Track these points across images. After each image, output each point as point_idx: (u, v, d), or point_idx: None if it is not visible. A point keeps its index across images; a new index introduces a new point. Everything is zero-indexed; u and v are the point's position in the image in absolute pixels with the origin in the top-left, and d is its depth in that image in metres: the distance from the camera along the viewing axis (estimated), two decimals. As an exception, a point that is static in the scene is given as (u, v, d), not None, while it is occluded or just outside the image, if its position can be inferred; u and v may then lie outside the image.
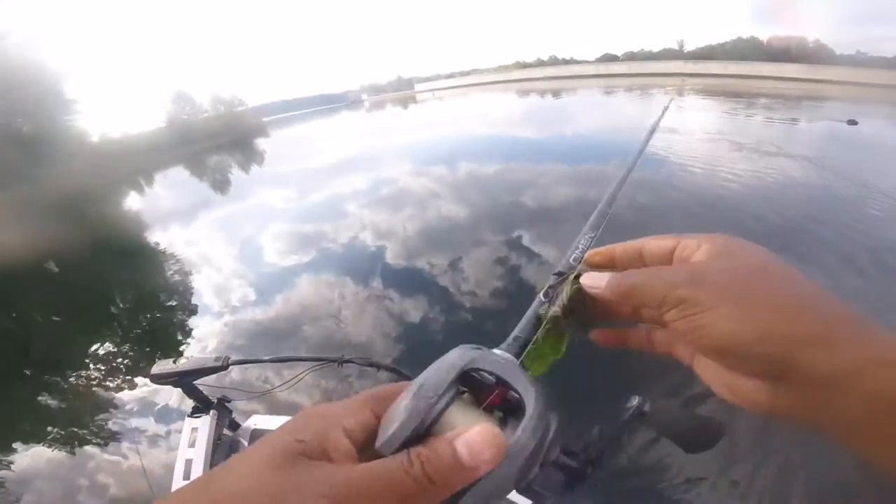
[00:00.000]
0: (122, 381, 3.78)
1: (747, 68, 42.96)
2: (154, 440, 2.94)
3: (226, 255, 6.66)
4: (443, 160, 10.20)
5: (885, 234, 4.45)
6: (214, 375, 1.11)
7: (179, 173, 22.86)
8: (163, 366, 1.10)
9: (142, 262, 7.60)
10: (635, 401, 0.45)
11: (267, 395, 1.39)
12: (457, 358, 0.25)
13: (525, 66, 69.84)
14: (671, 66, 49.55)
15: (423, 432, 0.23)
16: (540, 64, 68.59)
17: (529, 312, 0.34)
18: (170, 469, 1.08)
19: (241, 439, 1.21)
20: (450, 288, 4.19)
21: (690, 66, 47.38)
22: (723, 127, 11.85)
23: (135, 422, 3.18)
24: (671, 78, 41.32)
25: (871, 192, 5.69)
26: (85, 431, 3.26)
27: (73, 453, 3.01)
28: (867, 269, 3.75)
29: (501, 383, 0.25)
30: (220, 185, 16.18)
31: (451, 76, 77.70)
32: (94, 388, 3.81)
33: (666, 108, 0.71)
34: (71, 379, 4.08)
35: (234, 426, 1.24)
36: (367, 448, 0.23)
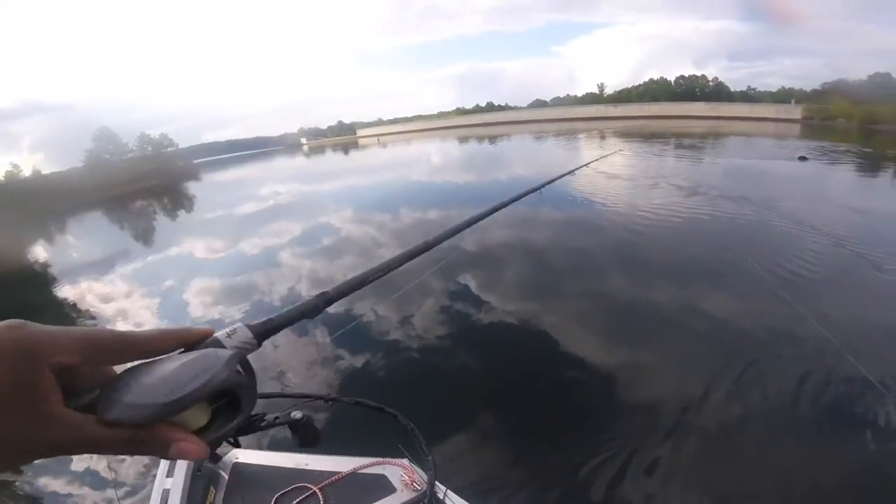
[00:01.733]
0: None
1: (659, 108, 48.96)
2: (128, 470, 2.90)
3: (146, 310, 6.28)
4: (386, 207, 10.50)
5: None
6: None
7: (97, 219, 21.26)
8: None
9: (45, 320, 6.87)
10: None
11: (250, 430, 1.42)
12: (220, 372, 0.29)
13: (464, 112, 74.38)
14: (593, 110, 55.41)
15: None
16: (478, 110, 73.38)
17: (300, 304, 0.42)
18: (146, 499, 1.12)
19: (222, 472, 1.24)
20: (398, 337, 4.28)
21: (611, 110, 53.18)
22: (673, 170, 13.18)
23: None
24: (594, 122, 45.83)
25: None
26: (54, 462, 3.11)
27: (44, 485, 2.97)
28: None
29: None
30: (144, 233, 15.22)
31: (394, 122, 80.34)
32: None
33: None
34: None
35: (216, 458, 1.26)
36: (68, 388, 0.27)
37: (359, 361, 3.93)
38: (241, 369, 0.34)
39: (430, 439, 1.12)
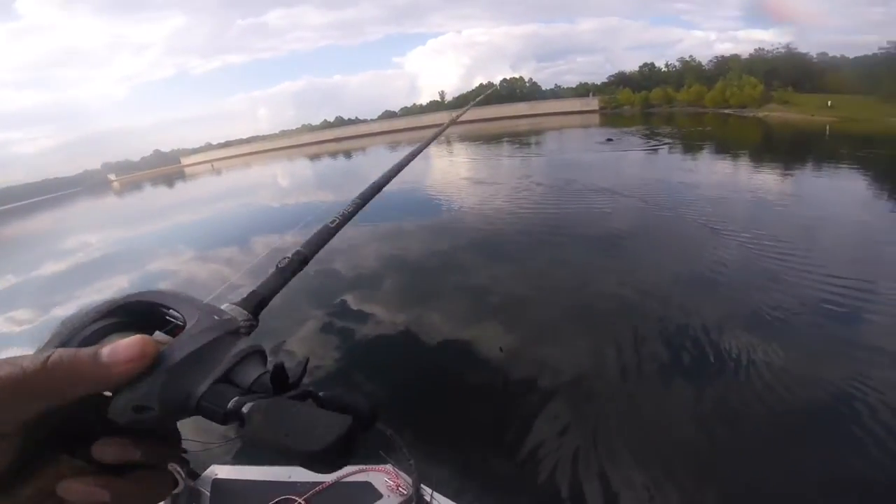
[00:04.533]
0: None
1: (493, 111, 55.04)
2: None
3: None
4: (235, 240, 9.80)
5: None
6: None
7: None
8: None
9: None
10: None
11: (226, 445, 1.37)
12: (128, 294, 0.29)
13: (312, 128, 72.07)
14: (438, 117, 59.55)
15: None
16: (327, 125, 71.93)
17: (274, 269, 0.41)
18: None
19: (203, 490, 1.21)
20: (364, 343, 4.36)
21: (452, 115, 57.57)
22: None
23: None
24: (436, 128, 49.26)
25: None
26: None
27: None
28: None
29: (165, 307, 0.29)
30: None
31: (226, 145, 73.42)
32: None
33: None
34: None
35: (194, 476, 1.22)
36: None
37: (327, 365, 3.98)
38: None
39: (407, 443, 1.17)
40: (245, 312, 0.33)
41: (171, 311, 0.28)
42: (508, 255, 6.37)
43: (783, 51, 49.04)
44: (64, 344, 0.26)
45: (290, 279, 0.43)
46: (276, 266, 0.43)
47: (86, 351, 0.24)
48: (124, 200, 36.08)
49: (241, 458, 1.37)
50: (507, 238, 7.23)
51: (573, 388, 3.34)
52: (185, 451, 0.95)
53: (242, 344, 0.27)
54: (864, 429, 2.61)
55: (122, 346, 0.24)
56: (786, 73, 43.45)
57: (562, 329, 4.24)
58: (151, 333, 0.27)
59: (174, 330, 0.28)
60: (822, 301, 4.07)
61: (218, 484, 1.23)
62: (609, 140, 18.11)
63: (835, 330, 3.68)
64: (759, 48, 52.17)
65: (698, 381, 3.23)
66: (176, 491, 1.11)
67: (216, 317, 0.28)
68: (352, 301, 5.42)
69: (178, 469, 1.12)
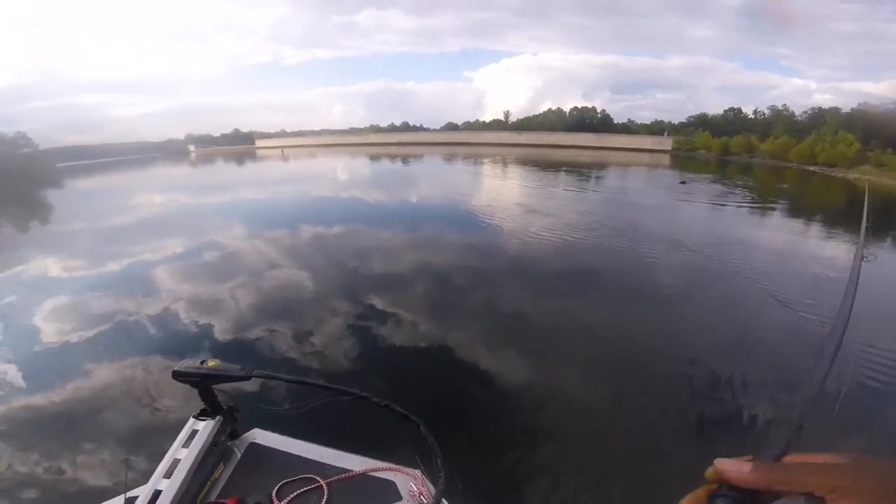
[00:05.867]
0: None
1: (556, 138, 54.68)
2: (145, 433, 3.17)
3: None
4: (286, 224, 10.30)
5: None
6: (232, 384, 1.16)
7: None
8: (188, 365, 1.14)
9: None
10: None
11: (271, 412, 1.44)
12: None
13: (379, 130, 74.93)
14: (499, 136, 59.97)
15: None
16: (393, 129, 74.50)
17: None
18: (154, 462, 1.10)
19: (237, 449, 1.26)
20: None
21: (516, 137, 58.00)
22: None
23: (137, 412, 3.51)
24: (498, 147, 49.51)
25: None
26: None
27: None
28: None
29: None
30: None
31: (298, 134, 77.70)
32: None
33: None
34: None
35: (235, 435, 1.29)
36: None
37: (395, 365, 4.15)
38: None
39: (447, 456, 1.14)
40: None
41: None
42: (549, 286, 6.27)
43: (893, 106, 44.62)
44: None
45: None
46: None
47: None
48: (198, 170, 38.98)
49: (283, 429, 1.37)
50: (549, 268, 7.12)
51: (591, 431, 3.25)
52: (237, 411, 1.16)
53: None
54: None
55: None
56: (891, 131, 39.44)
57: (588, 365, 4.19)
58: None
59: None
60: (866, 377, 3.71)
61: (253, 447, 1.26)
62: (683, 183, 17.63)
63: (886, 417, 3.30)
64: (864, 102, 47.92)
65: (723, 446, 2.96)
66: (213, 447, 1.16)
67: None
68: (385, 304, 5.53)
69: (222, 425, 1.21)
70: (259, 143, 74.77)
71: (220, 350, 4.52)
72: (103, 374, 4.24)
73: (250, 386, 1.23)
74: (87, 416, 3.60)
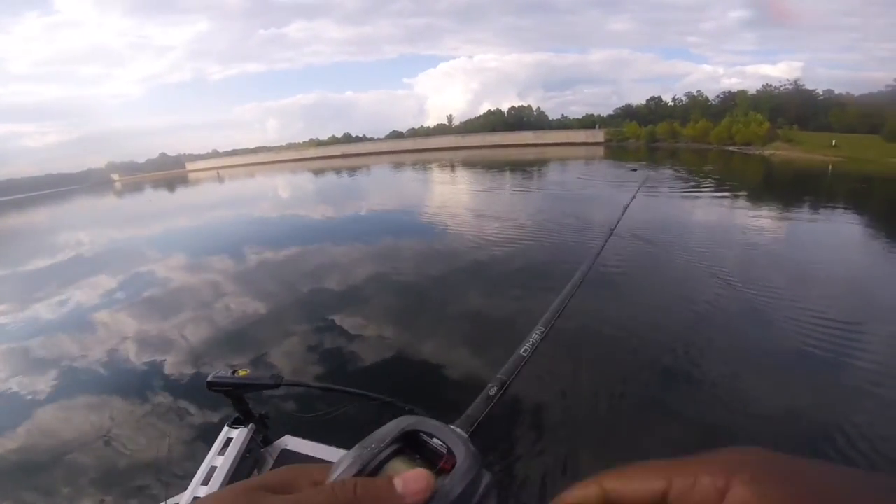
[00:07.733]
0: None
1: (499, 138, 56.26)
2: (183, 441, 3.27)
3: None
4: (227, 250, 9.93)
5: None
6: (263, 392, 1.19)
7: None
8: (221, 375, 1.16)
9: None
10: None
11: (303, 419, 1.48)
12: (400, 420, 0.32)
13: (320, 143, 73.30)
14: (445, 140, 60.72)
15: (367, 475, 0.28)
16: (335, 141, 73.17)
17: (482, 394, 0.45)
18: (192, 473, 1.11)
19: (269, 457, 1.28)
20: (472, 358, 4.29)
21: (461, 140, 59.05)
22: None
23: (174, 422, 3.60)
24: (443, 152, 49.98)
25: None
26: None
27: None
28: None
29: (447, 449, 0.30)
30: None
31: (232, 153, 74.45)
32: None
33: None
34: None
35: (267, 442, 1.30)
36: None
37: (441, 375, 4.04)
38: None
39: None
40: (465, 435, 0.34)
41: (434, 439, 0.31)
42: (501, 282, 6.43)
43: (791, 87, 49.93)
44: (365, 466, 0.28)
45: (494, 403, 0.52)
46: (486, 394, 0.53)
47: (383, 481, 0.27)
48: (125, 200, 36.35)
49: (314, 435, 1.41)
50: (503, 265, 7.34)
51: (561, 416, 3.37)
52: (268, 418, 1.26)
53: (487, 478, 0.29)
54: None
55: (411, 480, 0.27)
56: (792, 109, 44.16)
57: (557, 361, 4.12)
58: (412, 458, 0.30)
59: (432, 456, 0.31)
60: (808, 345, 4.12)
61: (284, 453, 1.29)
62: (634, 170, 20.09)
63: (823, 375, 3.72)
64: (767, 84, 53.27)
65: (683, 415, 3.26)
66: (247, 455, 1.18)
67: (472, 448, 0.30)
68: (347, 320, 5.49)
69: (254, 432, 1.25)
70: (190, 165, 71.02)
71: (177, 388, 4.30)
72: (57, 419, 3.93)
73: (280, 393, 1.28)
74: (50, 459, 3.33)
